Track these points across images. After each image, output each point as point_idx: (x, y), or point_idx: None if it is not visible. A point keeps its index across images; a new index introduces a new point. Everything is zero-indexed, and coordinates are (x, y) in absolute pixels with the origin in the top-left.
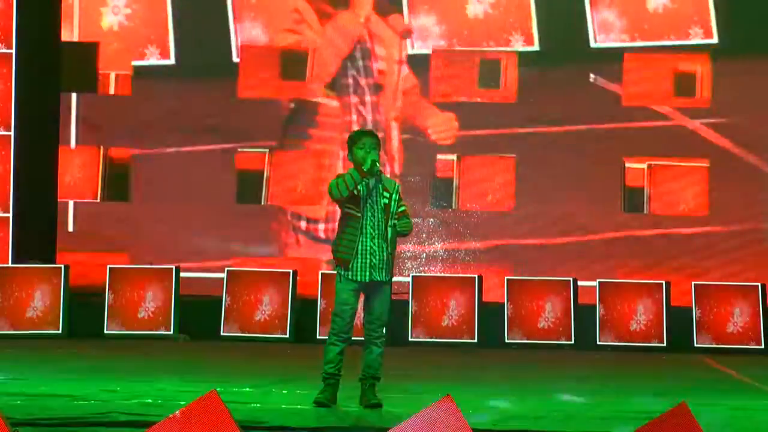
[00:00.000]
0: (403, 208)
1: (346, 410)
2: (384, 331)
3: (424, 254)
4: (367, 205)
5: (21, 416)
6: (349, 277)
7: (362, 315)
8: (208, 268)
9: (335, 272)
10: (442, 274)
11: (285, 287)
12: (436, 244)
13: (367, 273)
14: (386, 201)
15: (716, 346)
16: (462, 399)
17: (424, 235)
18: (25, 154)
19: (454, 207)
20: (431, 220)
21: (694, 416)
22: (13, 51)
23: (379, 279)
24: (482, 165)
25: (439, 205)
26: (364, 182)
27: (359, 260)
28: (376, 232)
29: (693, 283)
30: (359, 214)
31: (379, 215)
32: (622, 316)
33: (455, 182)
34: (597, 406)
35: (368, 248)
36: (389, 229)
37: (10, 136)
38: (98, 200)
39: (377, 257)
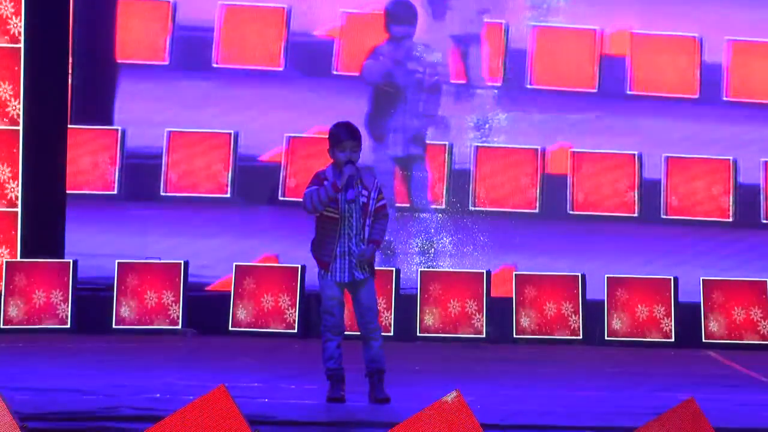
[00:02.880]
0: (382, 203)
1: (355, 405)
2: (378, 322)
3: (433, 249)
4: (345, 206)
5: (29, 410)
6: (329, 278)
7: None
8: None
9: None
10: (451, 269)
11: (293, 282)
12: (445, 238)
13: (347, 273)
14: (365, 200)
15: (724, 342)
16: (470, 394)
17: (432, 230)
18: (33, 149)
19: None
20: (440, 214)
21: (702, 411)
22: (22, 46)
23: (361, 278)
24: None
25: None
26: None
27: (338, 262)
28: (354, 232)
29: (701, 278)
30: (337, 216)
31: (357, 215)
32: (630, 311)
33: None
34: (605, 402)
35: (347, 250)
36: (367, 229)
37: (18, 131)
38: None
39: (357, 256)
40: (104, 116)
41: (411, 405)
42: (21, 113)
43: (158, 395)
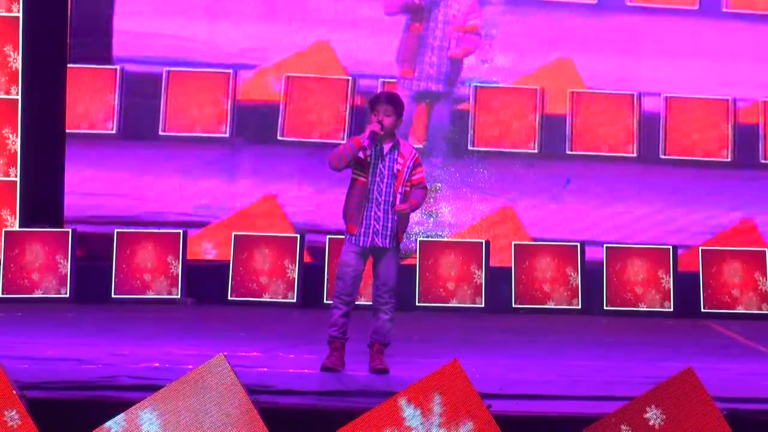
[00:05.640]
0: (418, 176)
1: (353, 374)
2: (391, 297)
3: (432, 219)
4: (376, 170)
5: (28, 379)
6: (353, 241)
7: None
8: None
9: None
10: (450, 239)
11: (293, 252)
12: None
13: (370, 239)
14: (399, 167)
15: (723, 311)
16: (469, 363)
17: (432, 199)
18: (32, 118)
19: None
20: (439, 184)
21: (700, 381)
22: (20, 14)
23: (382, 245)
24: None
25: None
26: (377, 147)
27: (363, 226)
28: (383, 198)
29: (700, 247)
30: (365, 180)
31: (389, 181)
32: (629, 281)
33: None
34: (604, 371)
35: (373, 215)
36: (399, 196)
37: (17, 100)
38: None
39: (381, 224)
40: (103, 49)
41: (409, 375)
42: (20, 82)
43: (157, 364)
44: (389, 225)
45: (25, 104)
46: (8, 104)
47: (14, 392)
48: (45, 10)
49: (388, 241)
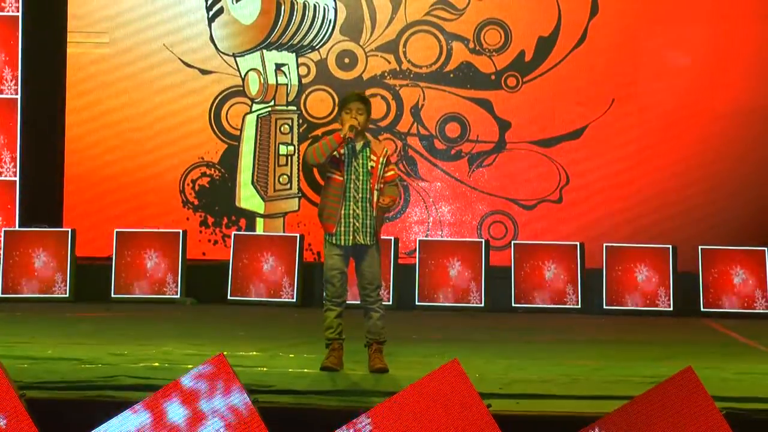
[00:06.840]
0: (391, 173)
1: (353, 374)
2: (379, 294)
3: (431, 218)
4: (351, 168)
5: (28, 379)
6: (333, 242)
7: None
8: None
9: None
10: (449, 239)
11: (292, 251)
12: (444, 207)
13: (350, 237)
14: (373, 165)
15: (723, 311)
16: (468, 363)
17: (431, 199)
18: (32, 118)
19: None
20: (438, 183)
21: (700, 380)
22: (20, 14)
23: (363, 243)
24: None
25: None
26: (349, 146)
27: (342, 225)
28: (360, 195)
29: (700, 247)
30: (341, 178)
31: (364, 178)
32: (629, 281)
33: None
34: (603, 370)
35: (351, 212)
36: (375, 193)
37: (17, 99)
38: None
39: (361, 221)
40: None
41: (409, 374)
42: (19, 82)
43: (157, 364)
44: (368, 222)
45: (24, 104)
46: (8, 104)
47: (15, 392)
48: (45, 9)
49: (368, 238)
